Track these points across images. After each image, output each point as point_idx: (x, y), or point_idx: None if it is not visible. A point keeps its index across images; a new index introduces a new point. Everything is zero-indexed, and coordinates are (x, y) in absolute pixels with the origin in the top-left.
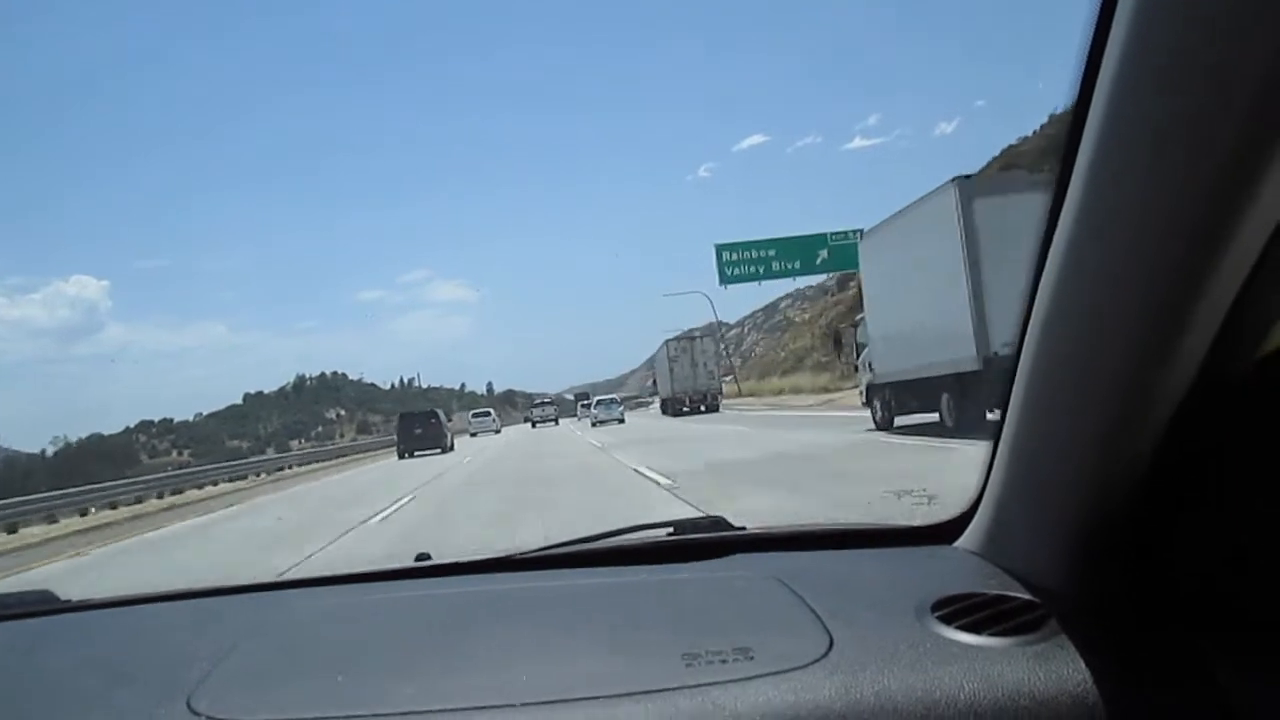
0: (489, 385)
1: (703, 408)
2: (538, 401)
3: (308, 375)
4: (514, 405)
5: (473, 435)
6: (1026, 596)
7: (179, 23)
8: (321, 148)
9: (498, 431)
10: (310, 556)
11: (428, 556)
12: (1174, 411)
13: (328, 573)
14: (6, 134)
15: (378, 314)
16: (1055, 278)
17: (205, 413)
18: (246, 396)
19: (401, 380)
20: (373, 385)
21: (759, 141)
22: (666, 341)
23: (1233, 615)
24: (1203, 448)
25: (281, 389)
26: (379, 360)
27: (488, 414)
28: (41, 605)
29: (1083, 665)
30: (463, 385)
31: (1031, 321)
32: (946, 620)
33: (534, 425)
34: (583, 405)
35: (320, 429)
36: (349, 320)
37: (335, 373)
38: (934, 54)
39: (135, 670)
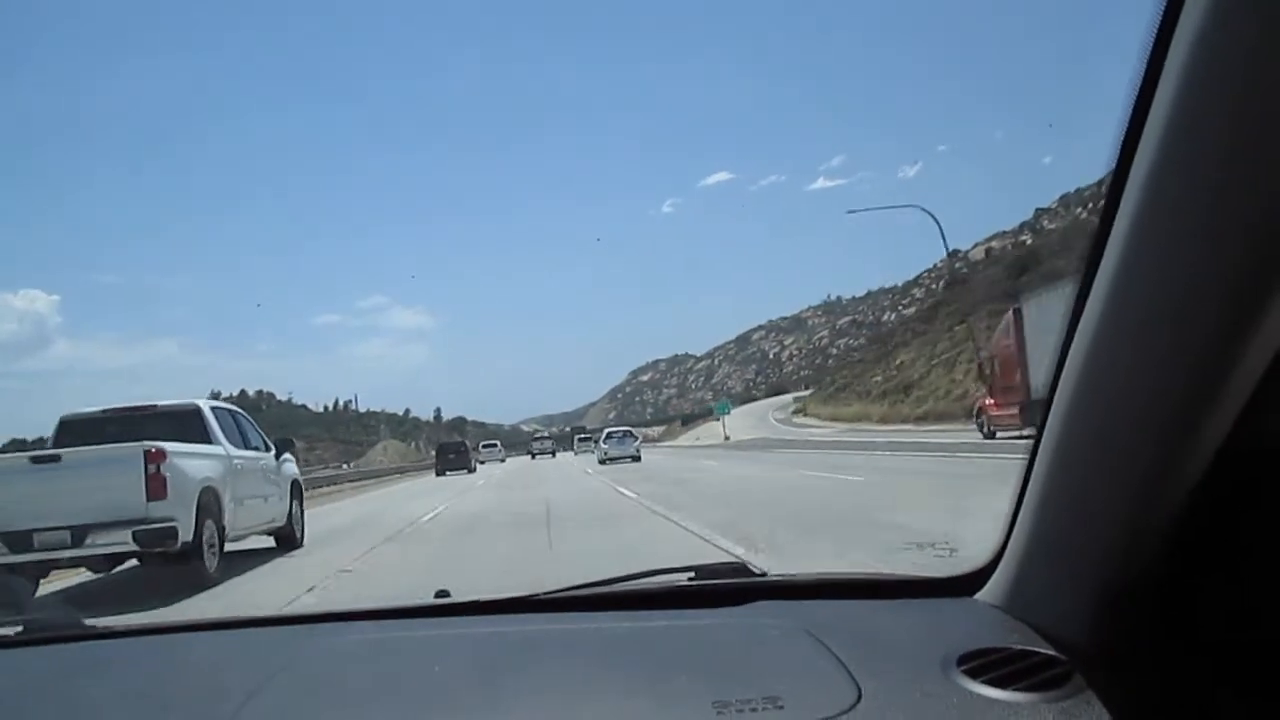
0: (437, 412)
1: None
2: (537, 435)
3: (223, 392)
4: (464, 435)
5: (481, 463)
6: (1051, 652)
7: (141, 42)
8: (284, 170)
9: (503, 460)
10: None
11: (447, 594)
12: (1204, 471)
13: (351, 608)
14: None
15: (334, 339)
16: (1090, 333)
17: None
18: None
19: (337, 403)
20: (302, 407)
21: (724, 179)
22: None
23: (1257, 672)
24: (1230, 506)
25: None
26: (332, 386)
27: (495, 445)
28: (72, 631)
29: None
30: (407, 411)
31: (1064, 375)
32: (973, 674)
33: (533, 457)
34: (579, 439)
35: None
36: (305, 344)
37: (260, 391)
38: (898, 98)
39: (172, 702)
